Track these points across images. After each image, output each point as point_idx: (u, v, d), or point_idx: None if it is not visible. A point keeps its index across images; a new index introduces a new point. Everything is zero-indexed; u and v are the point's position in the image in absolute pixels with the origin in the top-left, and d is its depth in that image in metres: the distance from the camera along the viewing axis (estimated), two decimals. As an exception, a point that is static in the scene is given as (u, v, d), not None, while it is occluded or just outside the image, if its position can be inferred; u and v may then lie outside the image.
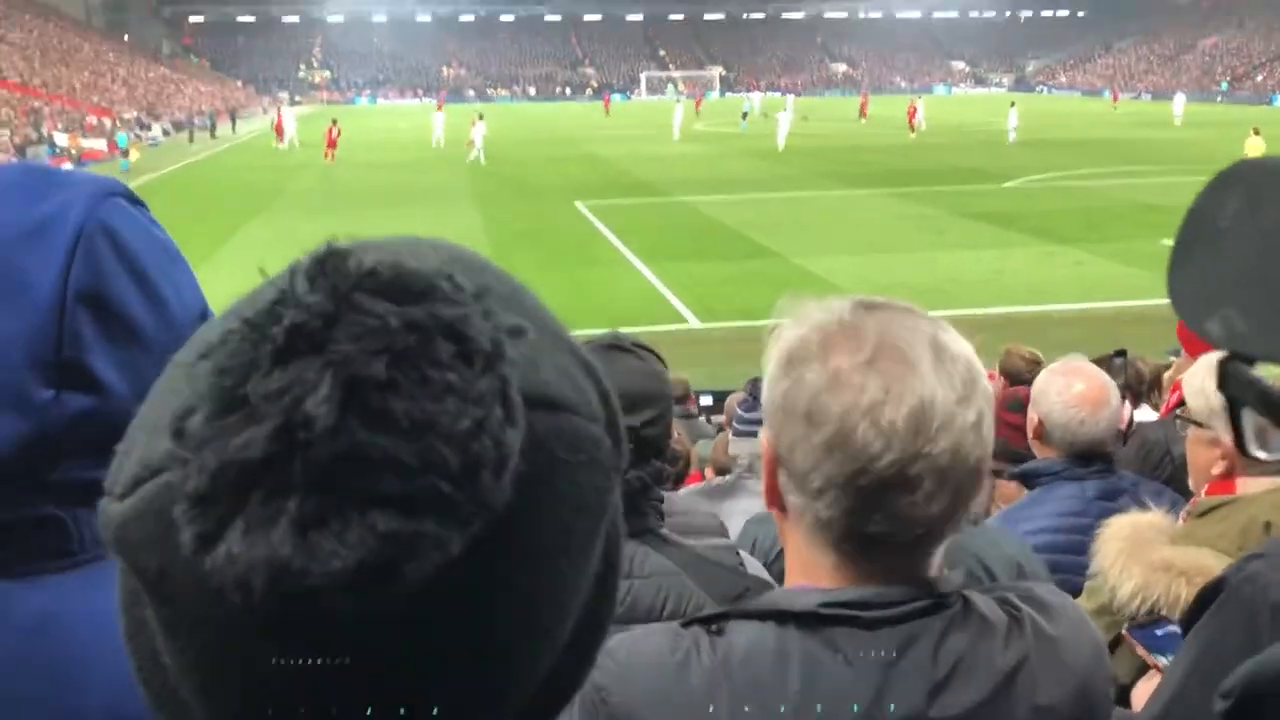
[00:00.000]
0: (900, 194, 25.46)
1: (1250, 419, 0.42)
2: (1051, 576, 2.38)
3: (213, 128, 53.00)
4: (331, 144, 35.78)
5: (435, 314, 0.42)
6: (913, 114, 43.29)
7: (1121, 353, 5.01)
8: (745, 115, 50.63)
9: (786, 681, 1.07)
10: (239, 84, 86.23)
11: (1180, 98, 52.57)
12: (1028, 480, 2.81)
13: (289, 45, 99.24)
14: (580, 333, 2.00)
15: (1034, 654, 1.11)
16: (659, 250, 19.04)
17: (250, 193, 27.91)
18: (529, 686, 0.50)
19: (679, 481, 4.33)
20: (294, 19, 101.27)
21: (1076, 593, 2.21)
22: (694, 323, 14.47)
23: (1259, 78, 76.42)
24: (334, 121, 37.34)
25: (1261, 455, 0.42)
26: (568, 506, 0.48)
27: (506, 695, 0.49)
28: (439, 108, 52.34)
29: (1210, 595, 1.27)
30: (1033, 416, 2.78)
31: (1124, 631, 1.92)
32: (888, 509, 1.04)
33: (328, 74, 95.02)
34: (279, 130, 43.25)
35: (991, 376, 6.53)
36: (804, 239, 19.81)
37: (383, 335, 0.40)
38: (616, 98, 79.05)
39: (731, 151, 37.63)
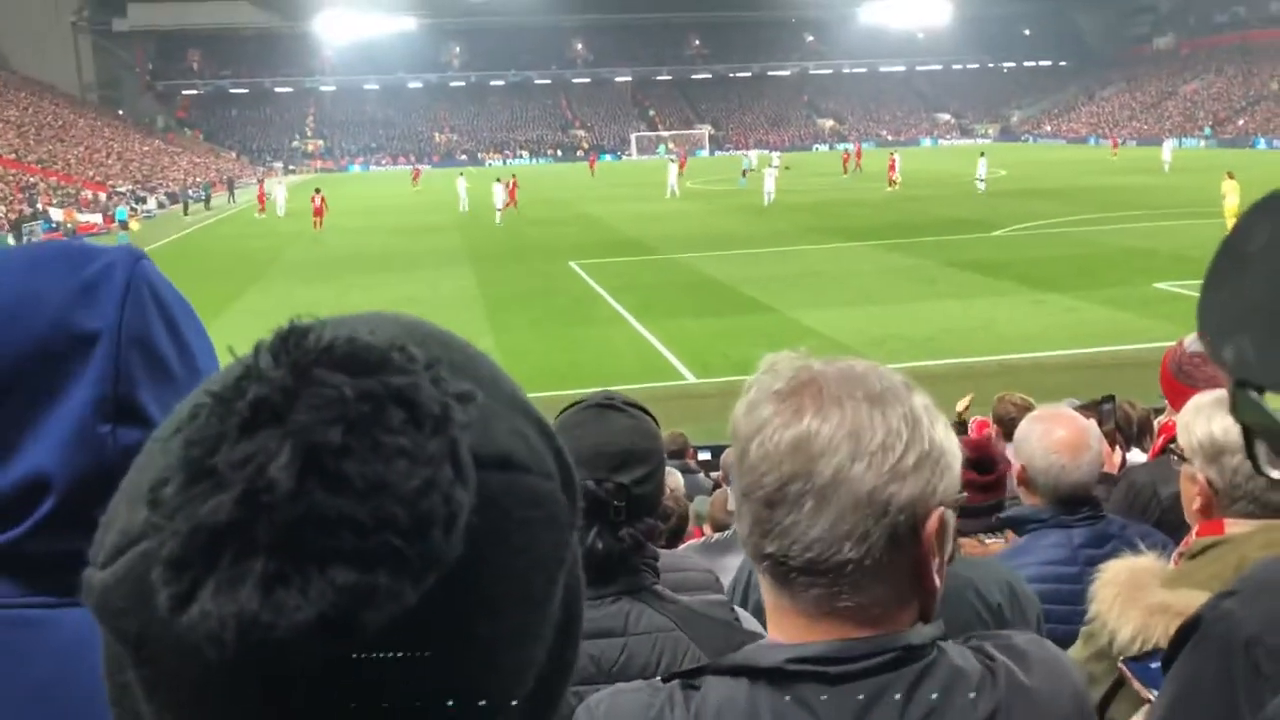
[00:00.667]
0: (890, 245, 25.69)
1: (1263, 443, 0.43)
2: (1051, 624, 2.41)
3: (207, 199, 53.37)
4: (318, 213, 36.08)
5: (387, 383, 0.45)
6: (892, 168, 43.76)
7: (1110, 398, 5.06)
8: (745, 172, 51.15)
9: None
10: (233, 155, 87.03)
11: (1169, 143, 53.02)
12: (1015, 526, 2.83)
13: (282, 115, 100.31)
14: (576, 391, 2.02)
15: (1008, 705, 1.10)
16: (654, 307, 19.16)
17: (247, 261, 28.10)
18: None
19: (677, 538, 4.34)
20: (287, 89, 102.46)
21: (1065, 641, 2.21)
22: (690, 378, 14.54)
23: (1240, 121, 77.42)
24: (317, 190, 37.68)
25: (1275, 474, 0.44)
26: (524, 560, 0.51)
27: None
28: (415, 179, 53.88)
29: (1187, 633, 1.29)
30: (1016, 464, 2.81)
31: (1120, 664, 1.94)
32: (775, 528, 1.08)
33: (321, 143, 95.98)
34: (260, 200, 44.34)
35: (984, 425, 6.57)
36: (797, 293, 19.95)
37: (338, 405, 0.44)
38: (607, 158, 79.87)
39: (723, 209, 37.97)
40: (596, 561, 1.81)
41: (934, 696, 1.09)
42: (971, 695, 1.10)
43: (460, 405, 0.47)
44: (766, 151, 67.01)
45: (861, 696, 1.08)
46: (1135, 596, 1.91)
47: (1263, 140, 67.97)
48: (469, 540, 0.46)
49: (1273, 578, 1.25)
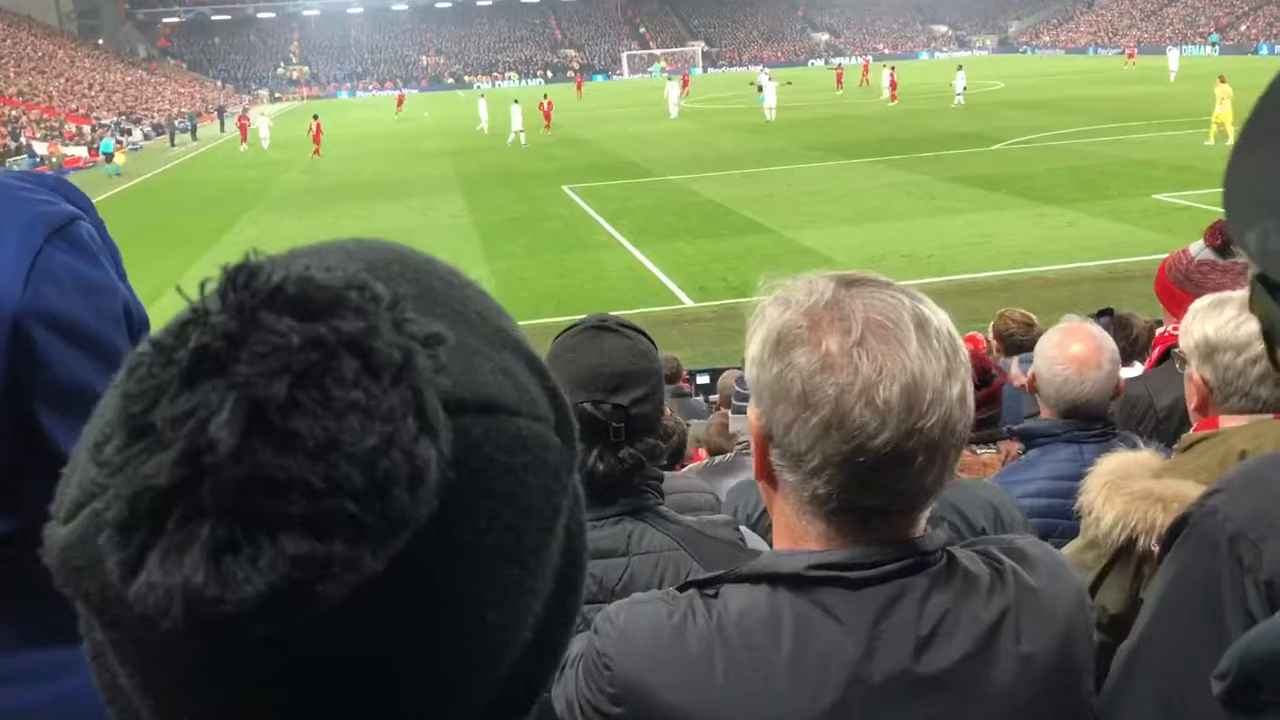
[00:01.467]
0: (889, 162, 25.44)
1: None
2: (1044, 534, 2.41)
3: (193, 130, 52.74)
4: (316, 139, 35.70)
5: (339, 329, 0.41)
6: (893, 85, 43.08)
7: (1107, 311, 5.01)
8: (760, 88, 50.45)
9: (780, 641, 1.11)
10: (218, 84, 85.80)
11: (1174, 51, 52.02)
12: (1026, 439, 2.83)
13: (266, 42, 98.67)
14: (572, 317, 1.98)
15: (1016, 606, 1.15)
16: (649, 231, 19.02)
17: (237, 193, 27.84)
18: (491, 684, 0.51)
19: (677, 458, 4.33)
20: (270, 15, 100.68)
21: (1073, 549, 2.23)
22: (687, 302, 14.48)
23: (1243, 27, 76.22)
24: (315, 117, 37.26)
25: None
26: (513, 510, 0.48)
27: (465, 695, 0.50)
28: (398, 106, 52.56)
29: (1176, 531, 1.33)
30: (1031, 372, 2.83)
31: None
32: (883, 483, 1.08)
33: (306, 69, 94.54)
34: (243, 131, 42.83)
35: (971, 339, 6.57)
36: (795, 213, 19.79)
37: (284, 354, 0.40)
38: (598, 79, 78.68)
39: (717, 127, 37.53)
40: (598, 483, 1.80)
41: (947, 600, 1.13)
42: (982, 597, 1.14)
43: (428, 349, 0.44)
44: (761, 67, 65.90)
45: (880, 601, 1.11)
46: (1121, 484, 1.97)
47: (1265, 46, 66.97)
48: (448, 493, 0.43)
49: (1257, 474, 1.26)
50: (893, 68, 48.01)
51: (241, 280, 0.42)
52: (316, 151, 35.36)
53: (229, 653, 0.43)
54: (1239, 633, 1.04)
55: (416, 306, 0.47)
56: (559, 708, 1.26)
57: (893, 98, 42.37)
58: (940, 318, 1.11)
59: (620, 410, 1.80)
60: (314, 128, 35.96)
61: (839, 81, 52.95)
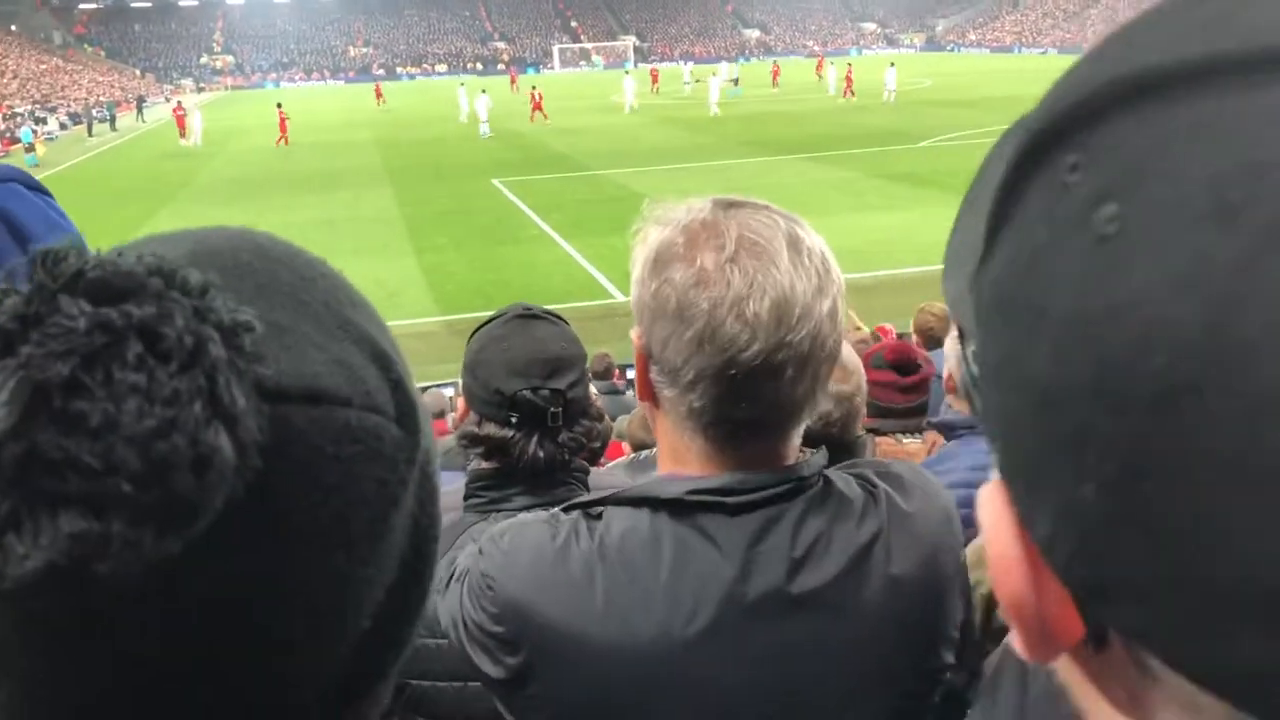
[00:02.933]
0: (819, 158, 25.70)
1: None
2: (965, 525, 2.45)
3: (112, 119, 51.31)
4: (282, 128, 34.98)
5: (129, 314, 0.41)
6: (850, 80, 43.47)
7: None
8: (736, 81, 50.90)
9: (659, 563, 1.14)
10: (137, 73, 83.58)
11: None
12: (946, 431, 2.87)
13: (188, 30, 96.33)
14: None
15: (888, 528, 1.20)
16: (580, 225, 18.98)
17: (159, 183, 27.17)
18: (325, 671, 0.52)
19: (598, 455, 4.32)
20: (192, 3, 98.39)
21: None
22: (619, 296, 14.47)
23: (1157, 30, 78.17)
24: (279, 105, 36.47)
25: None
26: (340, 499, 0.48)
27: (294, 680, 0.51)
28: (378, 97, 49.40)
29: None
30: (946, 371, 2.83)
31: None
32: (754, 395, 1.11)
33: (230, 59, 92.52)
34: (181, 124, 38.89)
35: (884, 331, 6.65)
36: (724, 206, 19.86)
37: (71, 337, 0.41)
38: (530, 71, 78.19)
39: (651, 122, 37.57)
40: (540, 469, 1.81)
41: (821, 523, 1.17)
42: (854, 520, 1.19)
43: (234, 336, 0.44)
44: (692, 64, 66.16)
45: (756, 525, 1.16)
46: None
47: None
48: (267, 480, 0.44)
49: None
50: (849, 64, 48.61)
51: (48, 265, 0.42)
52: (284, 140, 34.67)
53: (37, 629, 0.45)
54: None
55: (253, 296, 0.48)
56: (444, 622, 1.29)
57: (847, 93, 42.83)
58: (814, 240, 1.15)
59: (558, 395, 1.81)
60: (280, 116, 35.22)
61: (774, 79, 53.39)
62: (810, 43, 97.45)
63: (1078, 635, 0.37)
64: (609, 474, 2.68)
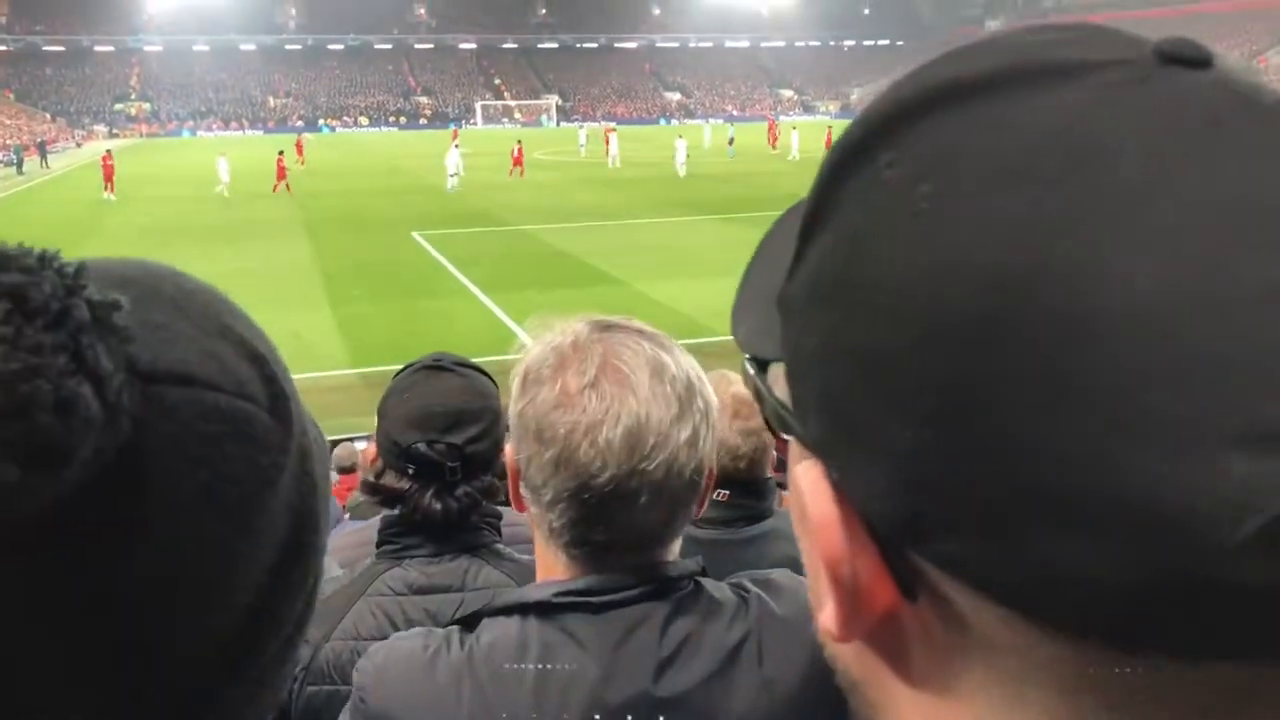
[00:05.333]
0: (732, 219, 26.12)
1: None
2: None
3: (19, 164, 49.92)
4: (280, 175, 34.11)
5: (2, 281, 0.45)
6: (778, 137, 44.45)
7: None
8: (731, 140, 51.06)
9: (525, 667, 1.14)
10: (48, 116, 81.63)
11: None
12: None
13: (103, 76, 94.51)
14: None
15: (759, 630, 1.19)
16: (500, 279, 18.95)
17: (67, 230, 26.39)
18: (201, 640, 0.54)
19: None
20: (108, 48, 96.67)
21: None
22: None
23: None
24: (281, 153, 35.53)
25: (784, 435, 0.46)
26: (207, 471, 0.52)
27: (168, 647, 0.53)
28: (299, 153, 43.72)
29: None
30: None
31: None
32: (609, 520, 1.13)
33: (147, 105, 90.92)
34: (108, 174, 34.41)
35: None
36: (644, 265, 20.08)
37: None
38: (452, 126, 78.11)
39: (570, 180, 37.83)
40: (434, 522, 1.81)
41: (690, 624, 1.17)
42: (725, 621, 1.18)
43: (99, 308, 0.47)
44: (599, 125, 66.78)
45: (623, 625, 1.15)
46: None
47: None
48: (139, 449, 0.49)
49: None
50: (793, 127, 50.44)
51: None
52: (285, 187, 33.89)
53: None
54: None
55: (134, 300, 0.51)
56: None
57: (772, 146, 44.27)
58: (682, 364, 1.16)
59: (454, 449, 1.81)
60: (282, 161, 34.46)
61: (772, 141, 52.88)
62: (729, 106, 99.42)
63: (886, 602, 0.39)
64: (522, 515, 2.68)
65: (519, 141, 42.01)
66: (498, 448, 1.90)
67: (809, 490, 0.40)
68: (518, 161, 39.07)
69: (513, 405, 1.18)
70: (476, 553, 1.86)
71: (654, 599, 1.17)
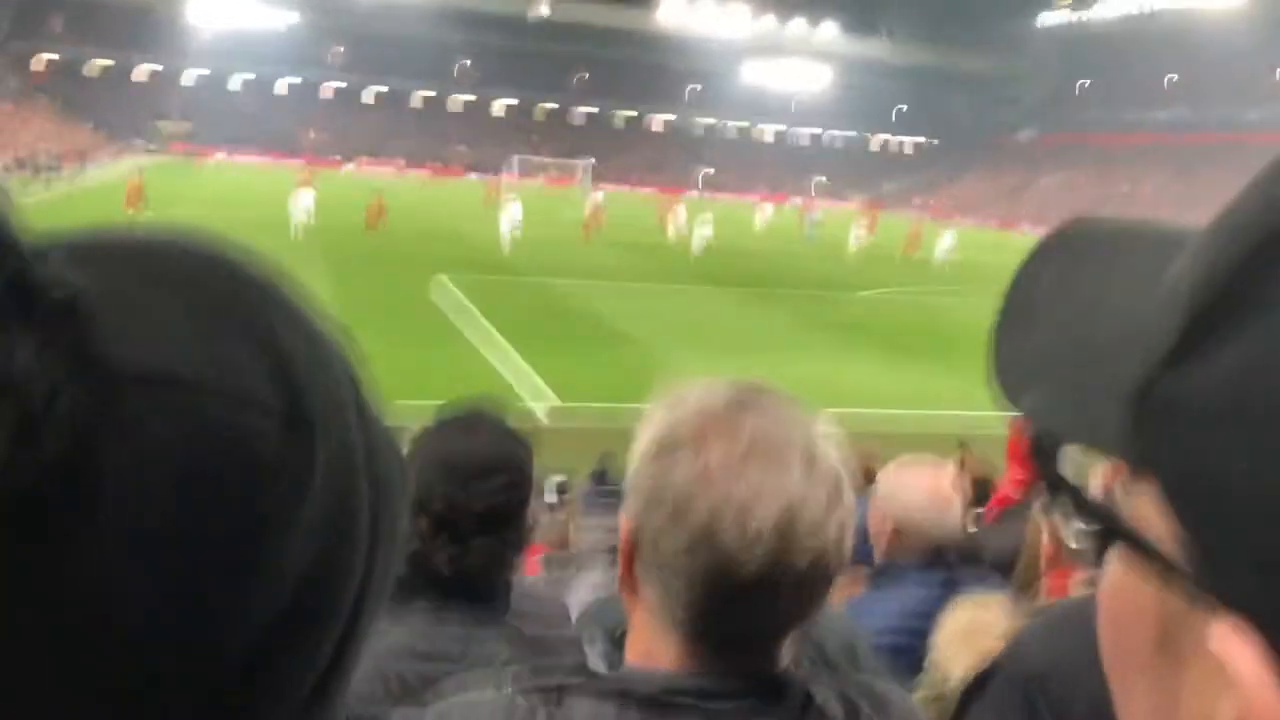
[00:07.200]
0: (757, 294, 26.25)
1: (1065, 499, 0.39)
2: (896, 668, 2.37)
3: (58, 169, 50.68)
4: (380, 214, 34.96)
5: None
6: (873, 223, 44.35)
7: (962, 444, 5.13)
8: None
9: None
10: (89, 128, 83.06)
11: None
12: (874, 576, 2.78)
13: (146, 95, 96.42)
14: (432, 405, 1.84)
15: None
16: (523, 331, 18.98)
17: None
18: (181, 694, 0.42)
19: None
20: (156, 66, 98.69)
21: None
22: (555, 402, 14.41)
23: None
24: (380, 193, 36.27)
25: (1073, 545, 0.44)
26: (191, 506, 0.41)
27: (135, 700, 0.41)
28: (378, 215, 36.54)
29: (985, 676, 1.32)
30: (885, 524, 2.71)
31: None
32: (745, 611, 1.04)
33: (188, 125, 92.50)
34: (135, 194, 33.69)
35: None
36: (670, 332, 20.09)
37: None
38: (484, 177, 79.08)
39: (604, 244, 38.16)
40: (445, 577, 1.72)
41: None
42: None
43: (38, 295, 0.38)
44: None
45: None
46: (971, 641, 1.96)
47: (1104, 236, 72.42)
48: (90, 466, 0.38)
49: (1062, 617, 1.26)
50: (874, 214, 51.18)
51: None
52: (375, 226, 34.61)
53: None
54: None
55: (129, 275, 0.44)
56: None
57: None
58: (831, 453, 1.07)
59: (476, 502, 1.73)
60: (378, 206, 35.13)
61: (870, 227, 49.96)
62: (761, 188, 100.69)
63: None
64: (535, 588, 2.56)
65: (600, 196, 42.41)
66: (522, 504, 1.79)
67: (1251, 680, 0.31)
68: (597, 220, 39.51)
69: (637, 472, 1.07)
70: (482, 621, 1.73)
71: (766, 709, 1.08)
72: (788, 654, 1.12)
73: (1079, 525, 0.40)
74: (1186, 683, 0.35)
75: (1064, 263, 0.44)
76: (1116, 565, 0.37)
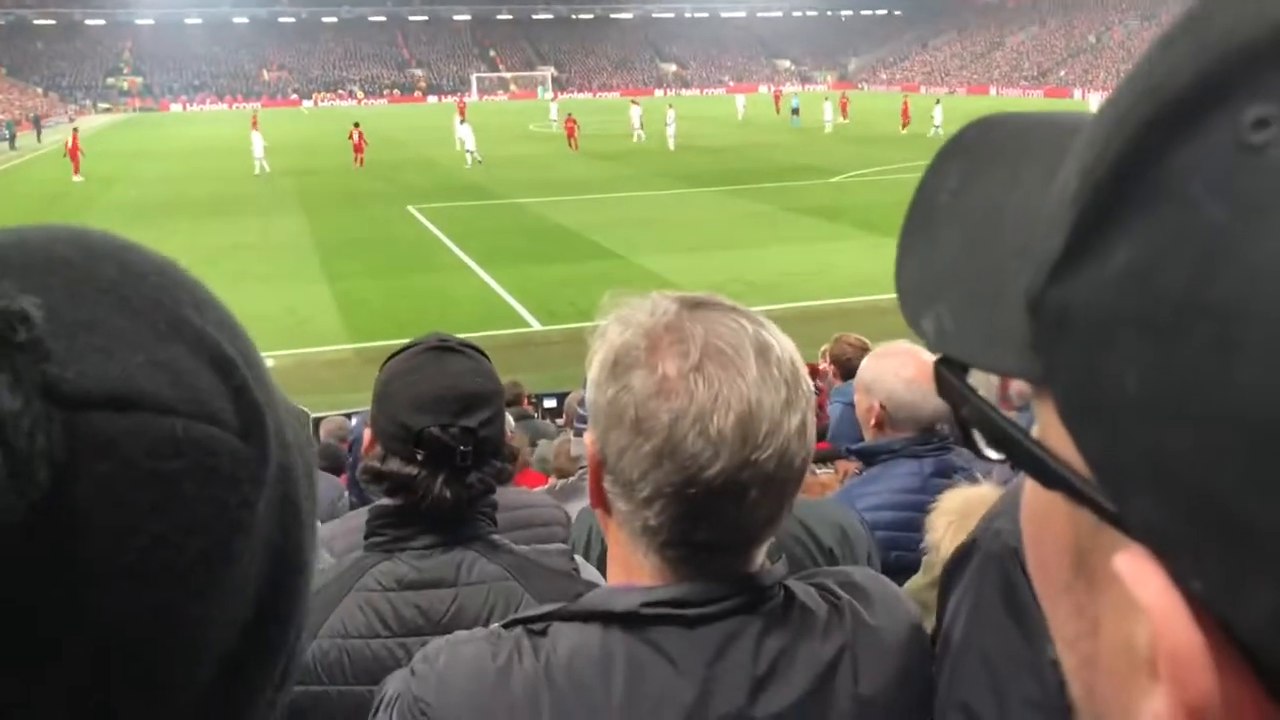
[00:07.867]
0: (733, 191, 25.99)
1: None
2: (889, 548, 2.45)
3: (12, 138, 49.58)
4: (358, 149, 34.00)
5: None
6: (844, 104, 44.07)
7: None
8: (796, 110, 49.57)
9: (611, 685, 1.05)
10: (39, 91, 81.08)
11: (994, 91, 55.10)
12: (866, 457, 2.84)
13: (95, 50, 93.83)
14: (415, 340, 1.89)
15: (854, 644, 1.12)
16: (498, 254, 18.86)
17: (59, 205, 26.29)
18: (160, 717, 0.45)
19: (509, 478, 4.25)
20: (99, 22, 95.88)
21: (913, 568, 2.26)
22: (535, 325, 14.39)
23: (1061, 73, 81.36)
24: (356, 125, 35.05)
25: (992, 455, 0.35)
26: (164, 523, 0.42)
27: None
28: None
29: (964, 553, 1.35)
30: (871, 404, 2.78)
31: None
32: (716, 517, 1.04)
33: (139, 80, 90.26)
34: (74, 158, 33.13)
35: (812, 369, 6.76)
36: (643, 238, 19.97)
37: None
38: (448, 99, 77.49)
39: (565, 153, 37.61)
40: (445, 510, 1.71)
41: (784, 639, 1.10)
42: (819, 635, 1.12)
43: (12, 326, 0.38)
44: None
45: (715, 641, 1.07)
46: (965, 524, 1.98)
47: (1079, 91, 71.56)
48: (64, 498, 0.38)
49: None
50: (843, 96, 50.41)
51: None
52: (360, 161, 33.68)
53: None
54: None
55: (60, 291, 0.43)
56: None
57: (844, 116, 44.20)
58: (783, 345, 1.07)
59: (469, 433, 1.72)
60: (355, 136, 34.09)
61: (844, 110, 50.40)
62: (726, 77, 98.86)
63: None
64: (532, 494, 2.60)
65: (570, 114, 41.24)
66: (503, 432, 1.83)
67: (1157, 609, 0.29)
68: (571, 134, 38.74)
69: (594, 391, 1.07)
70: (471, 544, 1.77)
71: (747, 611, 1.09)
72: (762, 556, 1.12)
73: (993, 454, 0.35)
74: (1105, 606, 0.33)
75: (965, 168, 0.41)
76: (1031, 486, 0.35)
